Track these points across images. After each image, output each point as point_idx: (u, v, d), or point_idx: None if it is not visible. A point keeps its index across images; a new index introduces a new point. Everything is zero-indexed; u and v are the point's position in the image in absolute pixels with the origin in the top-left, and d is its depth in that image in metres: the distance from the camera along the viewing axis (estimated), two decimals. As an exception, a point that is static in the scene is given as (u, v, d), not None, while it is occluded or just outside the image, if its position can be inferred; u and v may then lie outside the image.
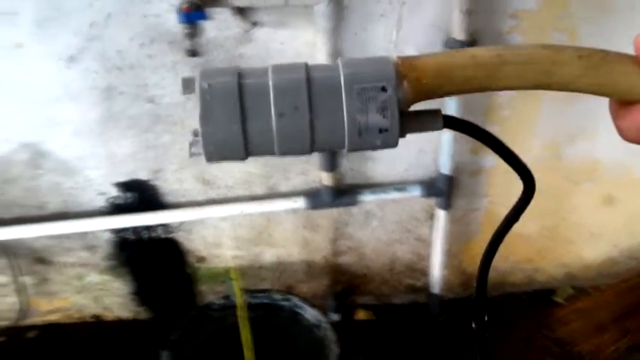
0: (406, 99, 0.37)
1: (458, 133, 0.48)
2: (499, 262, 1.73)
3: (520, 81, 0.38)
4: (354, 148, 0.38)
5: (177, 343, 1.37)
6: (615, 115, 0.39)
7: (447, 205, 1.52)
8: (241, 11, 1.23)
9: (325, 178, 1.44)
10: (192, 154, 0.38)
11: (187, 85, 0.37)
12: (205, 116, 0.36)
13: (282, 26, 1.25)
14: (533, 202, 1.75)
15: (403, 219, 1.61)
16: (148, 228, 1.56)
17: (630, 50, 0.39)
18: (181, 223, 1.57)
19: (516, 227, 1.81)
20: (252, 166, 1.46)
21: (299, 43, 1.28)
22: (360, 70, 0.37)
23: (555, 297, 1.76)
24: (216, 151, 0.37)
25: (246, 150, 0.37)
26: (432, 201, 1.55)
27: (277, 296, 1.47)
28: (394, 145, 0.38)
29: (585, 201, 1.63)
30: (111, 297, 1.72)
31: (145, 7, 1.20)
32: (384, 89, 0.36)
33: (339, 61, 0.38)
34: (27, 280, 1.65)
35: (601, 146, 1.52)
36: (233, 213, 1.50)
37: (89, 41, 1.24)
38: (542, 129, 1.47)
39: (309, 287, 1.73)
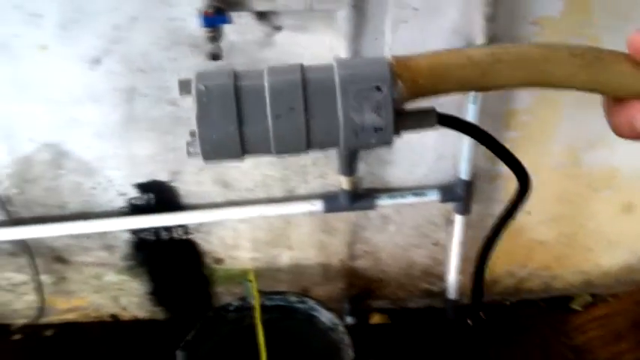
0: (401, 98, 0.38)
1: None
2: (516, 268, 1.73)
3: (514, 79, 0.38)
4: (349, 147, 0.38)
5: (193, 343, 1.38)
6: (608, 112, 0.40)
7: (464, 211, 1.52)
8: (263, 15, 1.24)
9: (343, 182, 1.44)
10: (189, 154, 0.38)
11: (184, 86, 0.38)
12: (202, 117, 0.37)
13: (303, 30, 1.26)
14: (551, 209, 1.74)
15: (420, 224, 1.60)
16: (167, 229, 1.58)
17: None
18: (200, 225, 1.58)
19: (534, 234, 1.79)
20: (271, 169, 1.47)
21: (320, 48, 1.28)
22: (355, 71, 0.37)
23: (573, 304, 1.75)
24: (213, 151, 0.37)
25: (242, 150, 0.38)
26: (450, 206, 1.55)
27: (293, 298, 1.48)
28: (389, 143, 0.38)
29: (604, 208, 1.62)
30: (128, 297, 1.73)
31: (169, 11, 1.21)
32: (378, 89, 0.37)
33: (334, 62, 0.38)
34: (45, 278, 1.67)
35: (620, 154, 1.52)
36: (251, 215, 1.50)
37: (113, 44, 1.26)
38: (561, 135, 1.46)
39: (325, 290, 1.73)
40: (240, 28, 1.25)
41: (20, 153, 1.42)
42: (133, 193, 1.50)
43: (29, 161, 1.43)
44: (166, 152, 1.43)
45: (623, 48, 0.38)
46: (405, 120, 0.39)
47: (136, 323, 1.78)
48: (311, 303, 1.46)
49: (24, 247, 1.58)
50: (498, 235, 0.56)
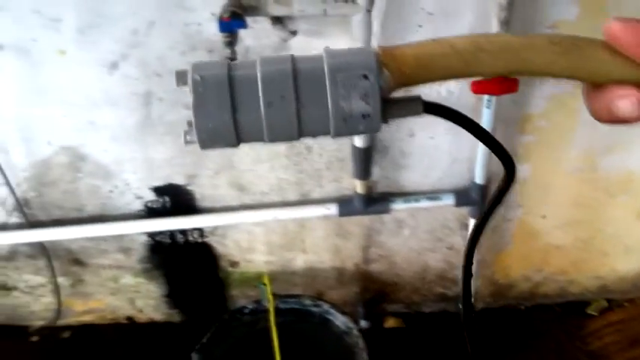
0: (387, 86, 0.39)
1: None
2: (532, 272, 1.72)
3: (496, 67, 0.39)
4: (339, 134, 0.39)
5: (208, 346, 1.39)
6: (587, 98, 0.41)
7: (479, 215, 1.51)
8: (279, 20, 1.25)
9: (358, 186, 1.45)
10: (186, 142, 0.40)
11: (180, 77, 0.39)
12: (198, 106, 0.38)
13: (319, 35, 1.27)
14: (567, 213, 1.73)
15: (435, 228, 1.60)
16: (183, 232, 1.59)
17: None
18: (215, 228, 1.59)
19: (550, 238, 1.78)
20: (286, 172, 1.48)
21: (335, 52, 1.28)
22: (343, 60, 0.39)
23: (589, 309, 1.74)
24: (209, 139, 0.39)
25: (237, 137, 0.39)
26: (465, 210, 1.54)
27: (308, 302, 1.48)
28: (377, 129, 0.39)
29: (620, 213, 1.61)
30: (144, 299, 1.74)
31: (186, 16, 1.23)
32: (366, 77, 0.38)
33: (324, 52, 0.39)
34: (63, 281, 1.68)
35: (637, 159, 1.50)
36: (266, 218, 1.51)
37: (131, 48, 1.27)
38: (578, 140, 1.46)
39: (340, 294, 1.74)
40: (256, 33, 1.26)
41: (38, 156, 1.44)
42: (150, 196, 1.51)
43: (47, 164, 1.45)
44: (183, 156, 1.44)
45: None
46: (392, 107, 0.40)
47: (151, 325, 1.79)
48: (325, 306, 1.46)
49: (42, 250, 1.60)
50: (487, 221, 0.58)
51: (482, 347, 1.68)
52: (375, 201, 1.49)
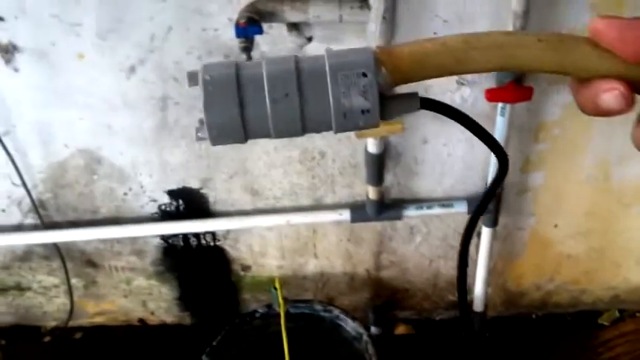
0: (385, 83, 0.41)
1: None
2: (544, 281, 1.71)
3: (487, 64, 0.41)
4: (340, 129, 0.41)
5: (219, 349, 1.40)
6: (575, 92, 0.43)
7: (493, 223, 1.51)
8: (295, 26, 1.26)
9: (371, 192, 1.45)
10: (198, 139, 0.42)
11: (192, 77, 0.41)
12: (208, 105, 0.40)
13: (335, 41, 1.27)
14: (580, 223, 1.72)
15: (448, 235, 1.60)
16: (196, 235, 1.60)
17: None
18: (228, 232, 1.60)
19: (562, 247, 1.77)
20: (300, 177, 1.48)
21: (350, 59, 1.29)
22: (343, 59, 0.41)
23: (601, 319, 1.73)
24: (219, 135, 0.41)
25: (245, 133, 0.41)
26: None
27: (319, 307, 1.48)
28: (375, 124, 0.41)
29: (634, 224, 1.60)
30: (156, 301, 1.75)
31: (204, 21, 1.24)
32: (364, 75, 0.40)
33: (325, 53, 0.42)
34: (76, 282, 1.70)
35: (651, 169, 1.50)
36: (279, 223, 1.52)
37: (148, 53, 1.28)
38: (592, 149, 1.45)
39: (351, 300, 1.74)
40: (272, 39, 1.27)
41: (55, 158, 1.46)
42: (165, 199, 1.52)
43: (64, 167, 1.47)
44: (198, 160, 1.45)
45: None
46: (391, 103, 0.42)
47: (163, 328, 1.81)
48: (336, 312, 1.46)
49: (56, 251, 1.61)
50: (481, 214, 0.61)
51: (494, 355, 1.67)
52: (388, 207, 1.49)
